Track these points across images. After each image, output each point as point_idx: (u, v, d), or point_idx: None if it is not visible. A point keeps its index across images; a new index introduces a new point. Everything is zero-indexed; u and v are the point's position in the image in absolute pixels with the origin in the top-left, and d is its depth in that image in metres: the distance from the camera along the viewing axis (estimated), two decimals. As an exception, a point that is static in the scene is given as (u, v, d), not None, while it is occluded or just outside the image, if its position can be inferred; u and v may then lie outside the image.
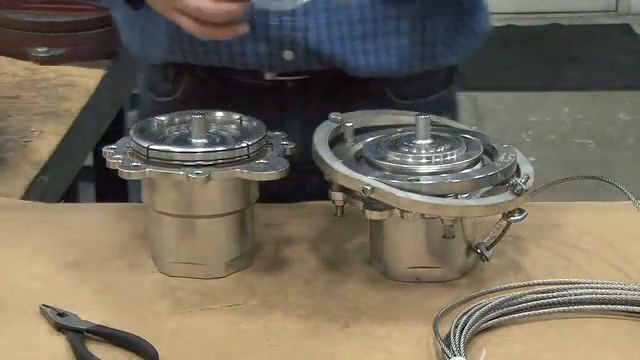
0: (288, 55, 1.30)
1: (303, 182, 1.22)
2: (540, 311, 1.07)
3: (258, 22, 1.28)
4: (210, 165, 1.11)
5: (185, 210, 1.14)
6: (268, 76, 1.34)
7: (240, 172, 1.11)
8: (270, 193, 1.19)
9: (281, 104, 1.35)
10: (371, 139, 1.18)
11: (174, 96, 1.40)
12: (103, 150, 1.15)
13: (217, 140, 1.15)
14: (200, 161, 1.11)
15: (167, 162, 1.11)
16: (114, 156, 1.14)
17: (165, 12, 1.18)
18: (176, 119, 1.20)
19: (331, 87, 1.34)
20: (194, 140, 1.14)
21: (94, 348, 1.02)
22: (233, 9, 1.13)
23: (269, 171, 1.11)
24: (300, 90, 1.35)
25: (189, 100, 1.37)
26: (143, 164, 1.12)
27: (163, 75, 1.41)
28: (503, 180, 1.10)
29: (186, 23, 1.15)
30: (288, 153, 1.16)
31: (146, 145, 1.12)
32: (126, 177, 1.11)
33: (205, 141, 1.14)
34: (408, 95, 1.37)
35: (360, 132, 1.21)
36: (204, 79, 1.37)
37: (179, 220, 1.14)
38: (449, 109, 1.43)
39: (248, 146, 1.13)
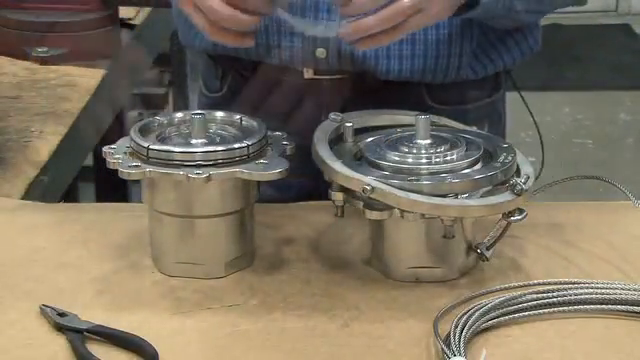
0: (321, 53, 1.31)
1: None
2: (540, 311, 1.07)
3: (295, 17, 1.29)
4: (210, 165, 1.11)
5: (185, 210, 1.14)
6: (306, 74, 1.34)
7: (240, 172, 1.11)
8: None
9: (319, 104, 1.36)
10: (371, 139, 1.18)
11: (221, 93, 1.44)
12: (103, 150, 1.15)
13: (217, 140, 1.15)
14: (200, 161, 1.11)
15: (167, 162, 1.11)
16: (114, 156, 1.14)
17: (182, 4, 1.17)
18: (176, 119, 1.20)
19: (368, 89, 1.34)
20: (194, 140, 1.14)
21: (94, 348, 1.02)
22: (245, 20, 1.12)
23: (269, 171, 1.10)
24: (337, 90, 1.35)
25: (234, 97, 1.40)
26: (143, 164, 1.12)
27: (214, 72, 1.44)
28: (503, 180, 1.10)
29: (198, 20, 1.15)
30: (288, 153, 1.16)
31: (146, 145, 1.12)
32: (126, 177, 1.11)
33: (205, 141, 1.14)
34: (447, 101, 1.36)
35: (360, 132, 1.21)
36: (247, 77, 1.39)
37: (179, 220, 1.14)
38: (492, 118, 1.42)
39: (248, 146, 1.13)
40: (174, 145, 1.14)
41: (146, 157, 1.12)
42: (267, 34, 1.32)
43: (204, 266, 1.15)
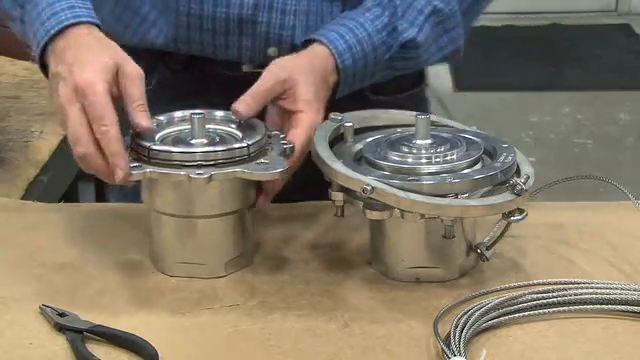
0: (273, 52, 1.31)
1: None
2: (540, 311, 1.07)
3: (245, 19, 1.29)
4: (211, 165, 1.11)
5: (185, 210, 1.14)
6: (245, 68, 1.33)
7: (241, 172, 1.10)
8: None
9: None
10: (371, 139, 1.18)
11: (149, 87, 1.39)
12: None
13: (217, 140, 1.15)
14: (201, 161, 1.11)
15: (168, 162, 1.11)
16: None
17: (54, 93, 1.13)
18: (176, 118, 1.20)
19: None
20: (194, 140, 1.14)
21: (94, 348, 1.02)
22: (121, 167, 1.09)
23: (270, 171, 1.10)
24: None
25: (164, 91, 1.37)
26: (144, 164, 1.11)
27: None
28: (503, 180, 1.10)
29: (75, 118, 1.10)
30: (288, 153, 1.16)
31: (147, 145, 1.12)
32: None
33: (205, 141, 1.14)
34: (383, 91, 1.38)
35: (360, 132, 1.21)
36: (178, 71, 1.37)
37: (179, 220, 1.14)
38: (420, 106, 1.45)
39: (248, 146, 1.13)
40: (174, 145, 1.14)
41: (147, 158, 1.12)
42: (213, 34, 1.31)
43: (204, 266, 1.15)
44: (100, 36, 1.18)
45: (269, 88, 1.19)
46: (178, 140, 1.15)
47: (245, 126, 1.19)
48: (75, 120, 1.10)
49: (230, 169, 1.11)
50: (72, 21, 1.17)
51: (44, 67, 1.20)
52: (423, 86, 1.49)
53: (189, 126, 1.16)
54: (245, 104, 1.18)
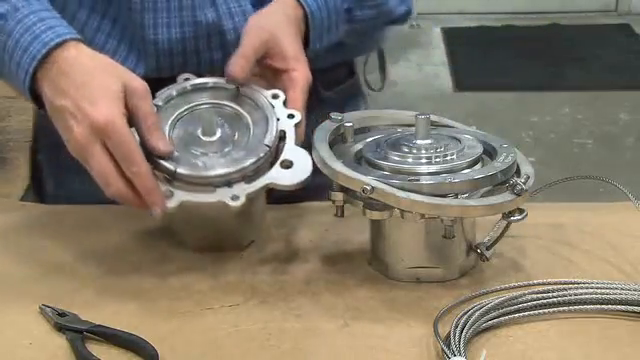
0: None
1: None
2: (540, 311, 1.07)
3: (213, 32, 1.28)
4: (239, 180, 1.10)
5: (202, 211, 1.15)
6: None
7: (272, 184, 1.10)
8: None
9: None
10: (371, 139, 1.18)
11: None
12: None
13: (227, 131, 1.14)
14: (230, 180, 1.10)
15: (193, 181, 1.10)
16: None
17: (65, 130, 1.09)
18: (174, 92, 1.17)
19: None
20: (206, 137, 1.13)
21: (94, 348, 1.02)
22: (154, 191, 1.08)
23: (295, 181, 1.10)
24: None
25: None
26: (174, 189, 1.09)
27: None
28: (503, 180, 1.10)
29: (101, 160, 1.07)
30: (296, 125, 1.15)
31: (173, 170, 1.10)
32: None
33: (218, 134, 1.13)
34: (328, 85, 1.42)
35: (360, 132, 1.21)
36: None
37: (195, 216, 1.17)
38: (358, 96, 1.50)
39: (270, 148, 1.12)
40: (186, 146, 1.12)
41: (171, 178, 1.11)
42: (197, 53, 1.28)
43: (220, 246, 1.20)
44: (91, 54, 1.13)
45: (257, 46, 1.16)
46: (189, 140, 1.13)
47: (243, 98, 1.17)
48: (101, 161, 1.07)
49: (259, 184, 1.10)
50: (57, 41, 1.11)
51: (34, 96, 1.14)
52: (355, 81, 1.50)
53: (189, 104, 1.15)
54: (239, 66, 1.15)
